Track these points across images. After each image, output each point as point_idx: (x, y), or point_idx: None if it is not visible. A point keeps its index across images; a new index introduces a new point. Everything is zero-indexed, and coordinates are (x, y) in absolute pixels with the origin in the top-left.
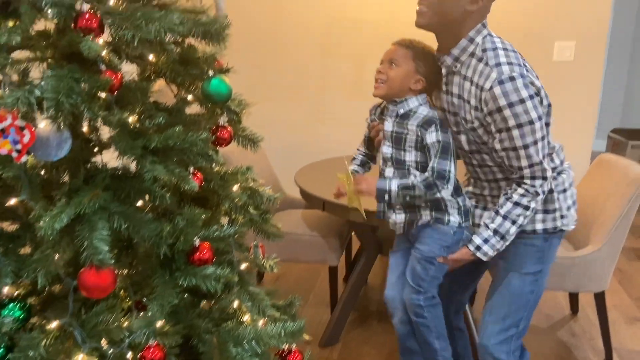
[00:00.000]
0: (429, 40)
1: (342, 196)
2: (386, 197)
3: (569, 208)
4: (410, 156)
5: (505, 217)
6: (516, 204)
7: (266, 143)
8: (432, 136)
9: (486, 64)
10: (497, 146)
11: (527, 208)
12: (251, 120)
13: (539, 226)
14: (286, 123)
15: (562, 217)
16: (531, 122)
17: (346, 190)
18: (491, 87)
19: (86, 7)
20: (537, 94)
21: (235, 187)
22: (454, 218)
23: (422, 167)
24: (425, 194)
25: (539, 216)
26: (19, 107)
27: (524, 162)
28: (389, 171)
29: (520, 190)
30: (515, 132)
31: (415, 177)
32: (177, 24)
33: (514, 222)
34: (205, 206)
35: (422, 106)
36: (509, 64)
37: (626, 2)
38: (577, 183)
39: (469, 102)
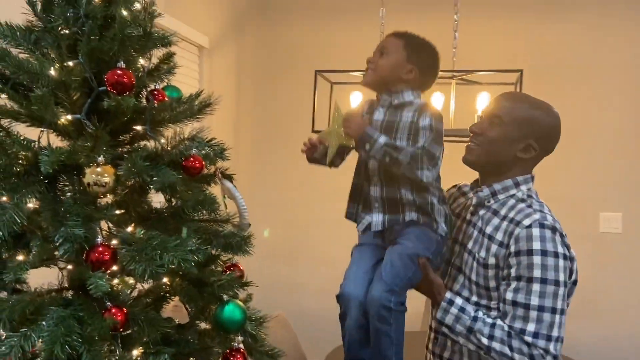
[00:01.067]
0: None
1: (315, 149)
2: (367, 146)
3: None
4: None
5: (493, 326)
6: (506, 331)
7: (292, 310)
8: (426, 120)
9: (529, 206)
10: (508, 295)
11: (503, 343)
12: (276, 283)
13: None
14: (313, 288)
15: None
16: (557, 284)
17: (328, 130)
18: (530, 226)
19: (100, 239)
20: (571, 260)
21: None
22: (442, 226)
23: None
24: (408, 165)
25: None
26: (12, 357)
27: (531, 327)
28: (374, 163)
29: (516, 340)
30: (536, 287)
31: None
32: (194, 251)
33: (491, 338)
34: None
35: (419, 99)
36: (554, 219)
37: None
38: None
39: (490, 238)
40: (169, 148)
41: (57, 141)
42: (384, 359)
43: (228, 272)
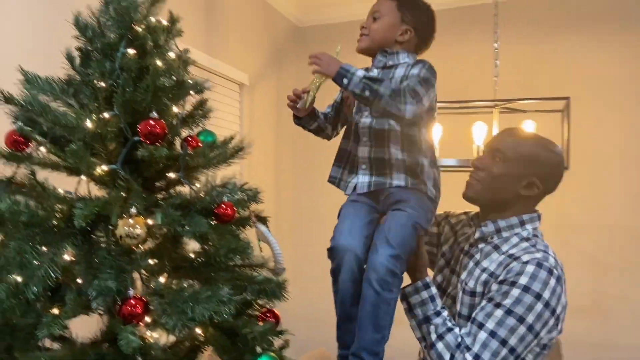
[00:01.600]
0: None
1: (299, 99)
2: (345, 81)
3: None
4: None
5: (449, 330)
6: (457, 342)
7: (333, 345)
8: (416, 70)
9: (533, 245)
10: (473, 313)
11: (448, 349)
12: (318, 318)
13: None
14: None
15: None
16: (521, 320)
17: (311, 81)
18: (527, 262)
19: (132, 292)
20: (554, 312)
21: None
22: (430, 189)
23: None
24: (389, 97)
25: None
26: None
27: (476, 348)
28: (365, 120)
29: (460, 355)
30: (498, 313)
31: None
32: (225, 302)
33: (440, 338)
34: None
35: (414, 61)
36: (556, 262)
37: None
38: None
39: (485, 269)
40: (202, 194)
41: (96, 189)
42: (379, 327)
43: (263, 321)
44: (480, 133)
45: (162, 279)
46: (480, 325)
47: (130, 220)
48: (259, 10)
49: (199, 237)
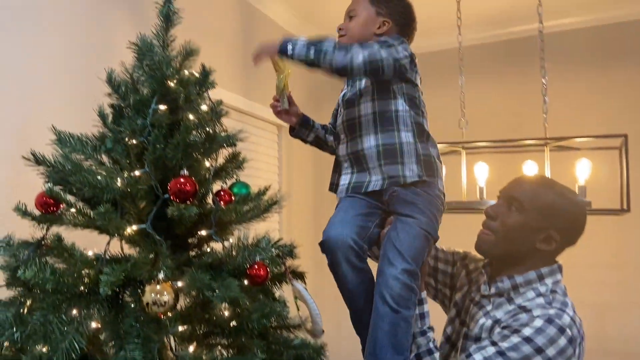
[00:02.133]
0: None
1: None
2: (290, 46)
3: None
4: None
5: (430, 352)
6: (432, 357)
7: None
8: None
9: (549, 302)
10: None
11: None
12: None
13: None
14: None
15: None
16: None
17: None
18: (537, 316)
19: None
20: None
21: None
22: (413, 170)
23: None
24: (332, 50)
25: None
26: None
27: None
28: (340, 119)
29: None
30: (490, 350)
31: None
32: None
33: (418, 358)
34: None
35: None
36: (572, 321)
37: None
38: None
39: (491, 317)
40: (233, 253)
41: (126, 247)
42: (400, 348)
43: None
44: (532, 173)
45: (191, 348)
46: (468, 355)
47: (158, 287)
48: None
49: (230, 302)
